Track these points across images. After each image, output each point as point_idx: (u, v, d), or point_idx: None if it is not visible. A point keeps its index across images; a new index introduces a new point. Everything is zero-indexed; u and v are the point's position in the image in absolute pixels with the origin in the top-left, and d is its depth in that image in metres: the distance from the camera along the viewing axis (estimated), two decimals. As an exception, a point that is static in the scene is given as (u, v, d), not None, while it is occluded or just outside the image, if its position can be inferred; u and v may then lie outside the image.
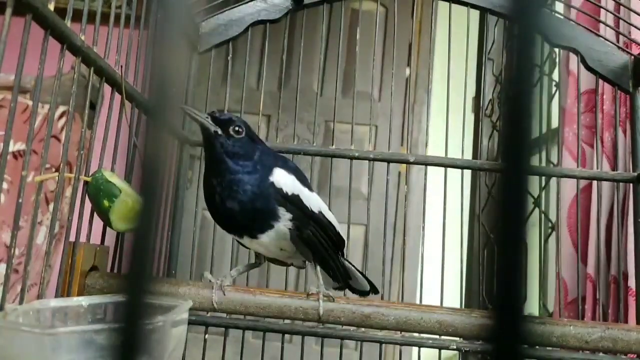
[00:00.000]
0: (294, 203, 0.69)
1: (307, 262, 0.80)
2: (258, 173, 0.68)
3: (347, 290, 0.90)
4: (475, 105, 1.96)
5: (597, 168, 1.19)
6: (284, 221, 0.69)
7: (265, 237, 0.69)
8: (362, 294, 0.85)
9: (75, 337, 0.46)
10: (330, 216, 0.76)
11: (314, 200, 0.73)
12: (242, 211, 0.67)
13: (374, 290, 0.84)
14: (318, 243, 0.72)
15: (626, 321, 0.99)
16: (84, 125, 0.67)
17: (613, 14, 1.12)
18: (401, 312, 0.70)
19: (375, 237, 1.49)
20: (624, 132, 1.15)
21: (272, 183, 0.68)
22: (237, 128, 0.68)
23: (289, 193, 0.69)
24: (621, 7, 1.14)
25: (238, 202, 0.67)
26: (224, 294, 0.70)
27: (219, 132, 0.67)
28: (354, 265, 0.82)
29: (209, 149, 0.69)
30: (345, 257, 0.82)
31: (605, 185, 1.19)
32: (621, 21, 1.16)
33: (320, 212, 0.74)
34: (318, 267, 0.74)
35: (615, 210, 0.95)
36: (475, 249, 1.67)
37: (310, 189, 0.73)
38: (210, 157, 0.69)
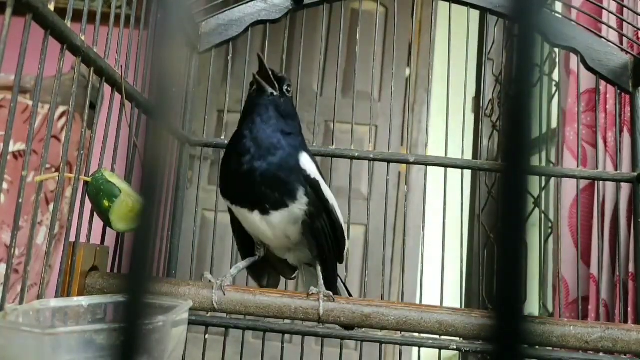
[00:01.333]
0: (313, 188, 0.69)
1: (301, 264, 0.80)
2: (294, 143, 0.68)
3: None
4: (475, 105, 1.96)
5: (600, 168, 1.19)
6: (300, 204, 0.68)
7: (277, 216, 0.68)
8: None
9: (75, 337, 0.46)
10: (339, 214, 0.75)
11: (329, 193, 0.73)
12: (266, 175, 0.65)
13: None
14: (325, 237, 0.71)
15: (635, 322, 0.99)
16: (84, 125, 0.67)
17: (614, 14, 1.12)
18: (401, 312, 0.70)
19: (375, 237, 1.50)
20: (629, 131, 1.15)
21: (299, 162, 0.68)
22: (288, 87, 0.69)
23: (311, 177, 0.69)
24: (622, 7, 1.14)
25: (267, 163, 0.65)
26: (224, 294, 0.69)
27: (275, 92, 0.67)
28: (341, 279, 0.82)
29: (258, 105, 0.68)
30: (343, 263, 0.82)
31: (609, 185, 1.19)
32: (622, 21, 1.16)
33: (333, 206, 0.74)
34: (319, 267, 0.74)
35: (620, 210, 0.94)
36: (475, 249, 1.68)
37: (321, 174, 0.73)
38: (256, 113, 0.67)
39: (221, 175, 0.70)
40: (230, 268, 0.77)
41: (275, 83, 0.69)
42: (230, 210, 0.74)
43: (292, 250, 0.77)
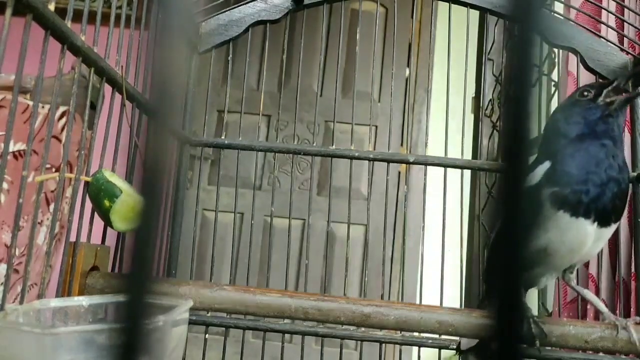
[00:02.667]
0: None
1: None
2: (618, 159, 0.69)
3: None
4: (475, 105, 1.96)
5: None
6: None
7: (613, 227, 0.69)
8: None
9: (75, 337, 0.46)
10: None
11: None
12: (626, 187, 0.67)
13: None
14: None
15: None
16: (84, 126, 0.67)
17: (614, 14, 1.12)
18: (401, 312, 0.70)
19: (375, 237, 1.50)
20: (630, 132, 1.14)
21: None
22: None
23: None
24: (622, 7, 1.14)
25: (625, 176, 0.67)
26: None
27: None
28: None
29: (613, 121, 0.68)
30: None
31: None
32: (622, 21, 1.16)
33: None
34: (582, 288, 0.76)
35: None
36: (475, 249, 1.68)
37: None
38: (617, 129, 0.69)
39: (575, 189, 0.68)
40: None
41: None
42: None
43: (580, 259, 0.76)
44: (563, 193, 0.67)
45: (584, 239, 0.68)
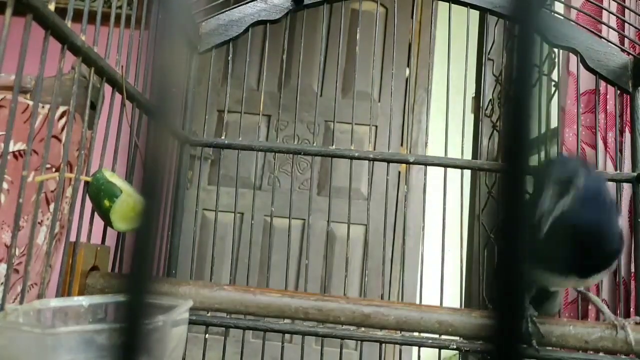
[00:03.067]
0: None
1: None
2: (611, 211, 0.68)
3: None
4: (475, 105, 1.96)
5: (599, 168, 1.19)
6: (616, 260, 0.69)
7: (597, 277, 0.69)
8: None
9: (75, 337, 0.46)
10: None
11: None
12: (607, 247, 0.66)
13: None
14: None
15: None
16: (84, 125, 0.67)
17: (614, 14, 1.12)
18: (401, 312, 0.70)
19: (375, 237, 1.50)
20: (630, 132, 1.14)
21: (620, 229, 0.68)
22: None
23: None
24: (622, 7, 1.14)
25: (609, 240, 0.66)
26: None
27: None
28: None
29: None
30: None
31: (608, 185, 1.18)
32: (623, 21, 1.16)
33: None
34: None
35: (620, 211, 0.94)
36: (475, 249, 1.68)
37: None
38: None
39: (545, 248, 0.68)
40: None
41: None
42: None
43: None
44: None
45: (565, 286, 0.72)
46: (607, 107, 1.25)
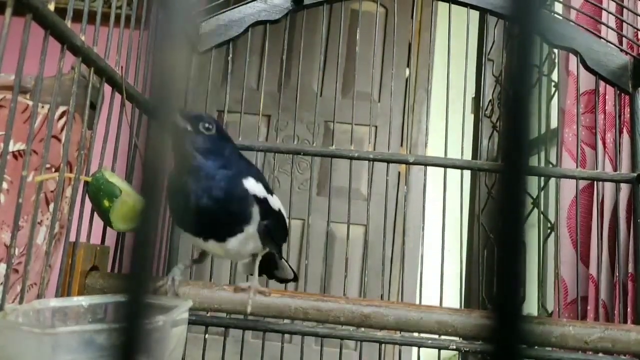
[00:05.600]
0: (263, 206, 0.70)
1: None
2: (232, 173, 0.67)
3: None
4: (475, 105, 1.96)
5: (599, 169, 1.19)
6: (254, 224, 0.69)
7: (234, 241, 0.69)
8: (285, 281, 0.89)
9: (75, 337, 0.46)
10: (282, 208, 0.77)
11: (275, 200, 0.74)
12: (218, 210, 0.66)
13: (295, 277, 0.88)
14: (277, 235, 0.75)
15: (634, 323, 0.99)
16: (84, 126, 0.67)
17: (613, 14, 1.12)
18: (401, 312, 0.70)
19: (375, 237, 1.50)
20: (629, 132, 1.15)
21: (247, 190, 0.68)
22: (207, 125, 0.67)
23: (261, 198, 0.69)
24: (621, 8, 1.14)
25: (215, 200, 0.65)
26: (177, 292, 0.69)
27: (189, 128, 0.66)
28: (283, 258, 0.85)
29: (179, 147, 0.67)
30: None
31: (608, 185, 1.19)
32: (622, 22, 1.16)
33: (280, 209, 0.75)
34: (257, 260, 0.75)
35: (619, 211, 0.94)
36: (475, 249, 1.68)
37: (269, 189, 0.73)
38: (181, 156, 0.67)
39: (169, 205, 0.69)
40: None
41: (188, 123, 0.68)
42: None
43: (242, 256, 0.77)
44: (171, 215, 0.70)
45: (210, 250, 0.71)
46: (607, 108, 1.25)
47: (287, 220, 0.79)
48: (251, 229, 0.69)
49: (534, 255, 0.96)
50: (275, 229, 0.73)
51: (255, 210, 0.68)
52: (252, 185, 0.69)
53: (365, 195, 1.53)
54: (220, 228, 0.68)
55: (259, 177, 0.71)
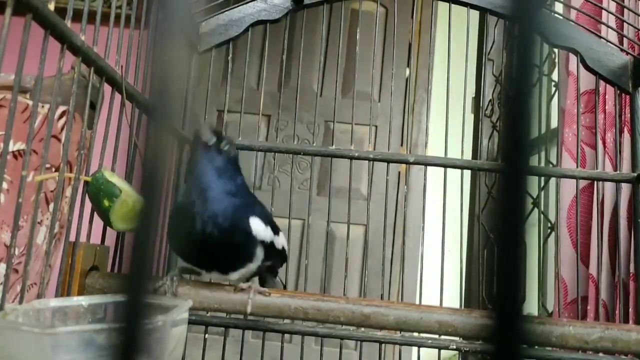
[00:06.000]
0: (267, 247, 0.70)
1: None
2: (239, 204, 0.66)
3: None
4: (475, 105, 1.96)
5: (599, 169, 1.19)
6: (257, 262, 0.69)
7: (236, 275, 0.69)
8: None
9: (75, 336, 0.46)
10: (285, 244, 0.78)
11: (279, 239, 0.74)
12: (222, 241, 0.64)
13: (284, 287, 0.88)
14: (279, 267, 0.77)
15: (635, 323, 0.99)
16: (84, 125, 0.67)
17: (614, 14, 1.12)
18: (401, 312, 0.70)
19: (375, 237, 1.50)
20: (629, 132, 1.15)
21: (252, 232, 0.66)
22: (229, 146, 0.66)
23: (266, 241, 0.69)
24: (622, 7, 1.14)
25: (220, 229, 0.63)
26: (175, 292, 0.68)
27: (212, 142, 0.65)
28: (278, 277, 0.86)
29: (197, 160, 0.65)
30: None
31: (608, 185, 1.19)
32: (623, 21, 1.16)
33: (283, 247, 0.76)
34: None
35: (619, 211, 0.94)
36: (475, 249, 1.68)
37: (274, 227, 0.72)
38: (196, 169, 0.65)
39: (171, 236, 0.68)
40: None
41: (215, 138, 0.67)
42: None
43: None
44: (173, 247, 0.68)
45: (216, 279, 0.70)
46: (607, 108, 1.25)
47: (286, 252, 0.79)
48: (253, 266, 0.69)
49: (534, 255, 0.96)
50: (276, 265, 0.74)
51: (260, 252, 0.68)
52: (257, 226, 0.67)
53: (365, 195, 1.53)
54: (223, 261, 0.67)
55: (266, 216, 0.70)
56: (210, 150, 0.65)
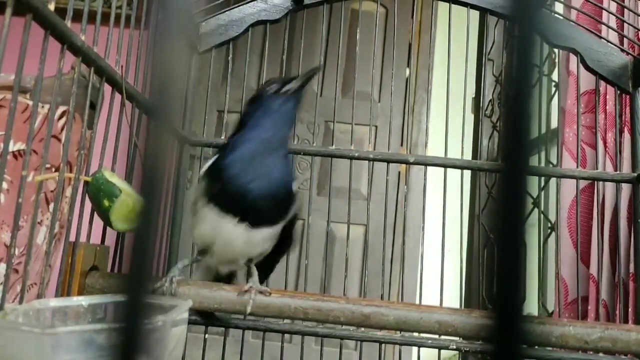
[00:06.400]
0: (296, 207, 0.70)
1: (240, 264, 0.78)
2: (289, 160, 0.68)
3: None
4: (475, 105, 1.96)
5: (599, 169, 1.19)
6: (284, 221, 0.69)
7: (263, 232, 0.67)
8: None
9: (75, 336, 0.46)
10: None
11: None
12: (272, 192, 0.65)
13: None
14: (289, 243, 0.75)
15: (635, 323, 0.99)
16: (84, 125, 0.67)
17: (614, 14, 1.12)
18: (401, 312, 0.70)
19: (375, 237, 1.49)
20: (630, 132, 1.14)
21: (292, 188, 0.68)
22: (291, 90, 0.70)
23: (297, 197, 0.70)
24: (622, 8, 1.14)
25: (276, 183, 0.64)
26: (174, 292, 0.68)
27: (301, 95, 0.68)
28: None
29: (267, 108, 0.67)
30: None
31: (608, 185, 1.19)
32: (623, 22, 1.16)
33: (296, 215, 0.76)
34: (253, 263, 0.74)
35: (619, 211, 0.94)
36: (475, 249, 1.68)
37: None
38: (287, 116, 0.68)
39: (222, 182, 0.67)
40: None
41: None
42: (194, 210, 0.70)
43: (239, 259, 0.75)
44: (213, 186, 0.66)
45: (229, 237, 0.67)
46: (607, 108, 1.25)
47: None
48: (280, 225, 0.69)
49: (534, 255, 0.96)
50: (293, 235, 0.73)
51: (293, 208, 0.69)
52: (294, 184, 0.69)
53: (365, 195, 1.53)
54: (264, 213, 0.66)
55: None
56: (275, 98, 0.68)
